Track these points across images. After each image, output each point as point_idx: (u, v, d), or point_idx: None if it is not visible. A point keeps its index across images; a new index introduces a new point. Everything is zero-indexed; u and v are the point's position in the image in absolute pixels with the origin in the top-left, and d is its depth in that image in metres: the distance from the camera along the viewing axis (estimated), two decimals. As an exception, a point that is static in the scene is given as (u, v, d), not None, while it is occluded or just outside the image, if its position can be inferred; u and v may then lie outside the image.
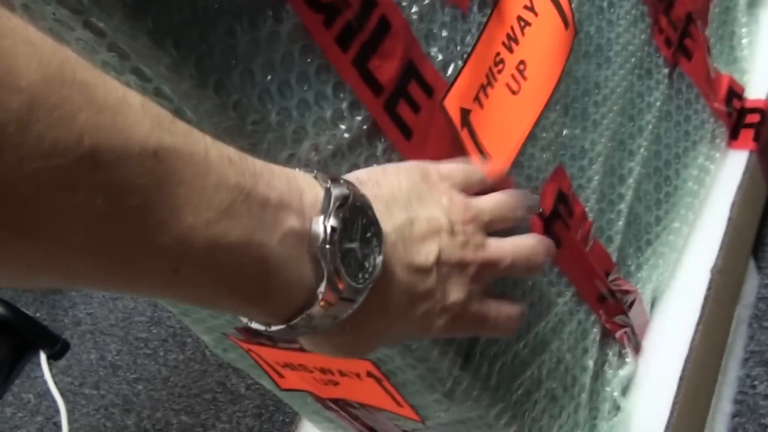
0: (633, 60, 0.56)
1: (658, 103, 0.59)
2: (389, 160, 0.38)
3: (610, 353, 0.57)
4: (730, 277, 0.64)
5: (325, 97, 0.34)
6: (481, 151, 0.42)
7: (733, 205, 0.63)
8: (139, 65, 0.28)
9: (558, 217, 0.49)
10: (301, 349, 0.47)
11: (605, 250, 0.54)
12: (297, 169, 0.29)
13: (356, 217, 0.28)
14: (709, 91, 0.64)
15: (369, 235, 0.29)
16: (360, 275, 0.28)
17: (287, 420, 0.98)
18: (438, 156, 0.39)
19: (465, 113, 0.41)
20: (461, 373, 0.44)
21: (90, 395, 1.23)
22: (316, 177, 0.29)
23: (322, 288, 0.27)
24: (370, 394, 0.49)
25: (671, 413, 0.56)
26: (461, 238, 0.34)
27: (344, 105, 0.35)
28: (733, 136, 0.67)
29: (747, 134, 0.67)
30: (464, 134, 0.41)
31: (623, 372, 0.57)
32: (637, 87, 0.57)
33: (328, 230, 0.27)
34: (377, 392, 0.48)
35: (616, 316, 0.55)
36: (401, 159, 0.38)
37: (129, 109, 0.21)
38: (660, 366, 0.58)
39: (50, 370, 1.31)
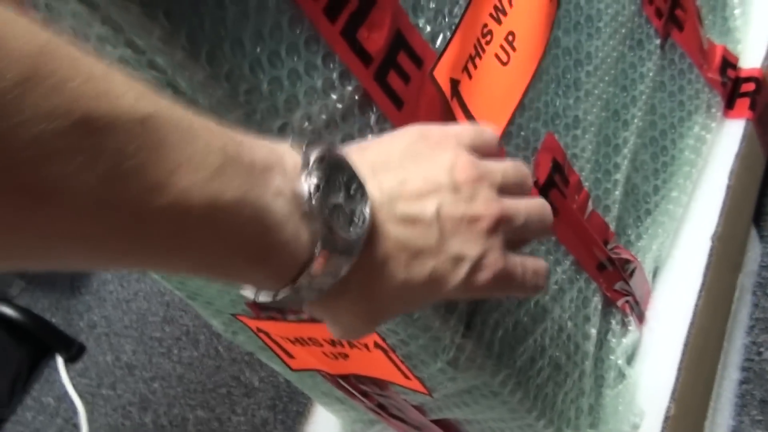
0: (623, 31, 0.56)
1: (651, 74, 0.59)
2: (382, 130, 0.39)
3: (613, 322, 0.57)
4: (731, 244, 0.65)
5: (315, 67, 0.35)
6: (471, 120, 0.43)
7: (731, 173, 0.64)
8: (133, 38, 0.30)
9: (554, 185, 0.49)
10: (311, 321, 0.48)
11: (603, 219, 0.55)
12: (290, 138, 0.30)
13: (336, 173, 0.29)
14: (703, 62, 0.65)
15: (353, 190, 0.30)
16: (351, 229, 0.29)
17: (300, 410, 0.99)
18: (430, 125, 0.39)
19: (454, 83, 0.42)
20: (463, 340, 0.45)
21: (107, 396, 1.25)
22: (290, 145, 0.30)
23: (317, 244, 0.28)
24: (378, 367, 0.50)
25: (677, 380, 0.56)
26: (467, 193, 0.33)
27: (334, 75, 0.36)
28: (729, 105, 0.67)
29: (743, 103, 0.67)
30: (454, 104, 0.42)
31: (627, 340, 0.58)
32: (629, 58, 0.58)
33: (312, 187, 0.28)
34: (385, 364, 0.49)
35: (617, 284, 0.56)
36: (394, 129, 0.39)
37: (114, 80, 0.23)
38: (664, 333, 0.59)
39: (68, 373, 1.33)
